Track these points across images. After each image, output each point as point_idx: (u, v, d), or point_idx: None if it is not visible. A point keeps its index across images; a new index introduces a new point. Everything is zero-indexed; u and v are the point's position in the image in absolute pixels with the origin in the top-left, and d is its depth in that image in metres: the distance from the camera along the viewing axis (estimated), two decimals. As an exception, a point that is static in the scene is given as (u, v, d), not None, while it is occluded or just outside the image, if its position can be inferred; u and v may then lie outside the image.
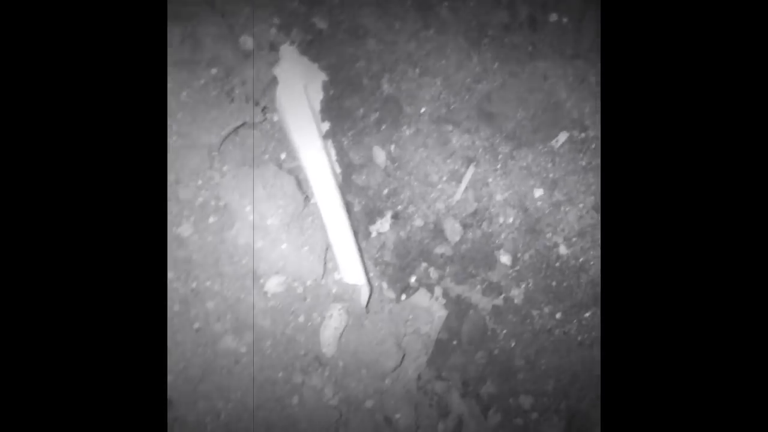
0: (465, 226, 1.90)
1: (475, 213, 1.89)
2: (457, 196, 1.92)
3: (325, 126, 1.98)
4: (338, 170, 1.97)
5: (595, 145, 1.90)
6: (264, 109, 1.94)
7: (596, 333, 1.83)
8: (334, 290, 1.87)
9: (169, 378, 1.75)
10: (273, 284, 1.81)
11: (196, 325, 1.79)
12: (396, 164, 1.93)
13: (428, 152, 1.93)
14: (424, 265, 1.92)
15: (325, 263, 1.87)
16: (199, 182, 1.84)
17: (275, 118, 1.97)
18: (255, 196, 1.80)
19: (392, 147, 1.93)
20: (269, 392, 1.80)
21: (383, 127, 1.94)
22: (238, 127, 1.89)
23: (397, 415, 1.87)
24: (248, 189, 1.80)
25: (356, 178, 1.94)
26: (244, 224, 1.81)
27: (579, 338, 1.83)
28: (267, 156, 1.96)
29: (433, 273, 1.93)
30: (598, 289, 1.83)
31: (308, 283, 1.84)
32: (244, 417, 1.78)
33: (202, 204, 1.83)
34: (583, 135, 1.91)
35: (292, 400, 1.82)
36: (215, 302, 1.80)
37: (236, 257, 1.82)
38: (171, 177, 1.81)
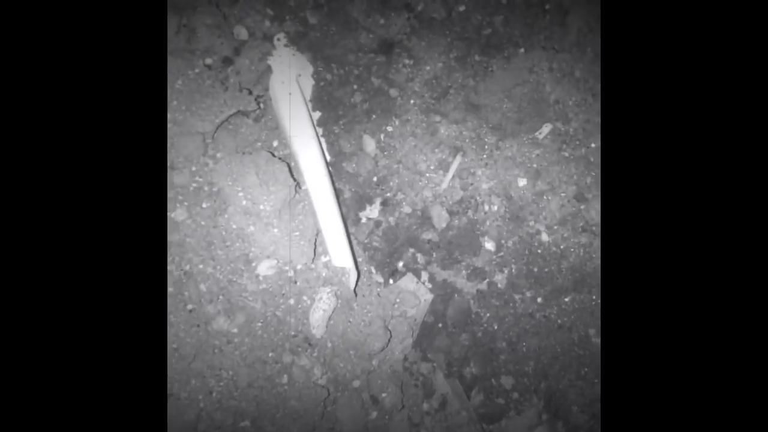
0: (451, 214, 1.96)
1: (461, 201, 1.96)
2: (444, 185, 1.99)
3: (317, 115, 2.03)
4: (329, 158, 2.02)
5: (579, 138, 1.96)
6: (257, 99, 1.99)
7: (575, 317, 1.90)
8: (323, 274, 1.93)
9: (163, 357, 1.80)
10: (264, 268, 1.87)
11: (189, 307, 1.85)
12: (385, 153, 1.99)
13: (417, 142, 1.99)
14: (411, 250, 1.98)
15: (315, 248, 1.93)
16: (193, 168, 1.90)
17: (264, 106, 2.02)
18: (247, 183, 1.86)
19: (382, 136, 1.99)
20: (260, 371, 1.86)
21: (373, 116, 2.00)
22: (231, 115, 1.94)
23: (384, 395, 1.94)
24: (241, 175, 1.86)
25: (347, 165, 2.00)
26: (237, 209, 1.87)
27: (559, 321, 1.91)
28: (260, 144, 2.01)
29: (420, 258, 1.99)
30: (578, 275, 1.90)
31: (298, 267, 1.90)
32: (236, 395, 1.84)
33: (196, 189, 1.89)
34: (566, 127, 1.98)
35: (281, 379, 1.89)
36: (208, 284, 1.86)
37: (228, 241, 1.88)
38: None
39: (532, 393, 1.90)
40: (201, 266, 1.87)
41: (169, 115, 1.87)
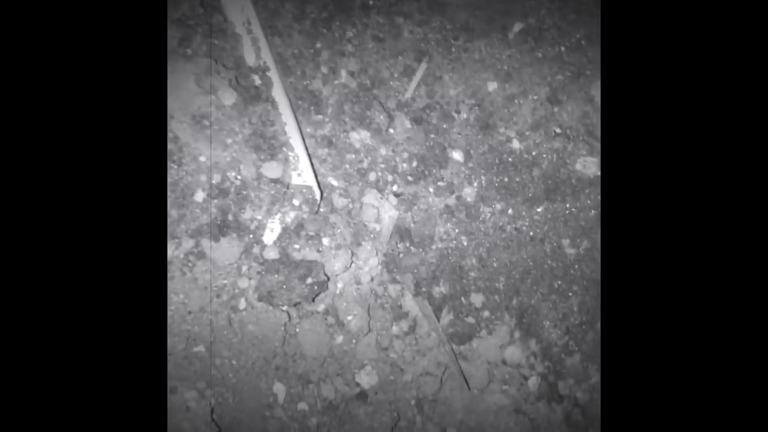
0: (416, 123, 1.81)
1: (426, 108, 1.81)
2: (409, 93, 1.83)
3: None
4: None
5: (552, 36, 1.80)
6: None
7: (548, 227, 1.78)
8: (283, 192, 1.79)
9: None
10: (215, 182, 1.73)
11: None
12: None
13: (378, 47, 1.82)
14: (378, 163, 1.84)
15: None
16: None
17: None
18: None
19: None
20: (213, 296, 1.75)
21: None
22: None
23: (349, 318, 1.84)
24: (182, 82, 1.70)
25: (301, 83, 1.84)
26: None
27: (531, 234, 1.78)
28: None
29: (384, 173, 1.85)
30: (550, 182, 1.77)
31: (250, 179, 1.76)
32: (188, 319, 1.73)
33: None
34: (539, 24, 1.81)
35: (238, 304, 1.77)
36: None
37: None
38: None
39: (503, 310, 1.79)
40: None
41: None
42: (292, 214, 1.78)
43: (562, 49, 1.75)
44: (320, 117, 1.87)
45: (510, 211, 1.79)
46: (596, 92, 1.72)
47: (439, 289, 1.84)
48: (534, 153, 1.77)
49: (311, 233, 1.80)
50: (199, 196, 1.74)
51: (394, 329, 1.88)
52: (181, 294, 1.73)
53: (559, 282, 1.74)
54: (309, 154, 1.81)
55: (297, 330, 1.83)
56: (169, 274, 1.73)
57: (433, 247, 1.83)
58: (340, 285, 1.86)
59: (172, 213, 1.74)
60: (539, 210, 1.78)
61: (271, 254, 1.77)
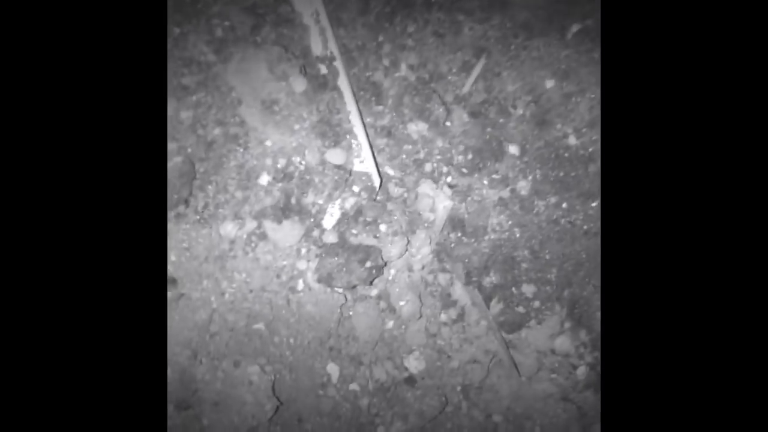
0: (473, 116, 1.87)
1: (484, 102, 1.86)
2: (467, 88, 1.89)
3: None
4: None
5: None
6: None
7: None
8: (345, 177, 1.85)
9: (173, 257, 1.74)
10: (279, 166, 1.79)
11: (201, 205, 1.78)
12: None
13: (438, 42, 1.88)
14: (434, 154, 1.90)
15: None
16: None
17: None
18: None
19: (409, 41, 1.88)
20: (273, 277, 1.80)
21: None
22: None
23: (401, 303, 1.89)
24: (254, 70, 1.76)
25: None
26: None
27: (585, 227, 1.84)
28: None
29: (440, 164, 1.91)
30: (606, 179, 1.82)
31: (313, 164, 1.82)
32: (249, 297, 1.79)
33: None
34: (596, 26, 1.87)
35: (296, 285, 1.83)
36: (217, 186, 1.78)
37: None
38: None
39: (554, 301, 1.85)
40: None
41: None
42: (351, 200, 1.83)
43: (620, 49, 1.80)
44: (380, 108, 1.92)
45: (564, 205, 1.85)
46: (652, 93, 1.77)
47: (490, 279, 1.89)
48: (590, 149, 1.83)
49: (369, 219, 1.85)
50: (264, 179, 1.80)
51: (443, 317, 1.94)
52: (244, 273, 1.78)
53: (612, 275, 1.79)
54: (370, 143, 1.86)
55: (351, 313, 1.88)
56: (231, 253, 1.79)
57: (486, 237, 1.89)
58: (393, 271, 1.92)
59: (237, 194, 1.79)
60: (594, 205, 1.83)
61: (330, 238, 1.82)
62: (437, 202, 1.90)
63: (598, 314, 1.80)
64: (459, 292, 1.92)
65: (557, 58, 1.87)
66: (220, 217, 1.78)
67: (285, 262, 1.82)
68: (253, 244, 1.80)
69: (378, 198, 1.87)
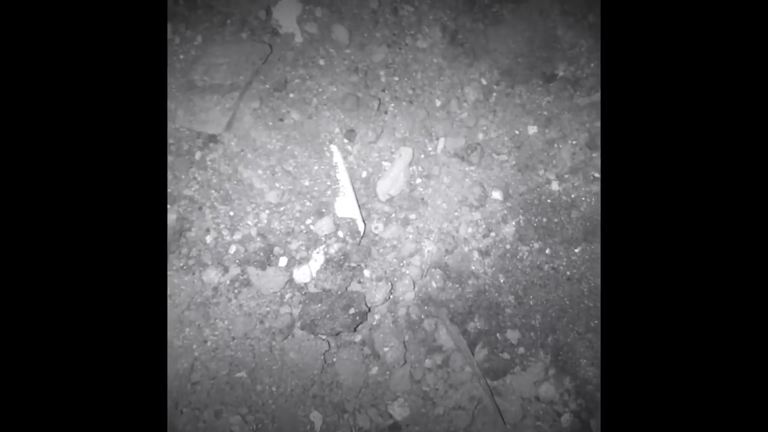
0: (459, 160, 1.88)
1: (467, 148, 1.88)
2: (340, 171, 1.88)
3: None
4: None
5: (591, 84, 1.88)
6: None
7: (585, 268, 1.83)
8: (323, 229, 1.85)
9: (156, 304, 1.73)
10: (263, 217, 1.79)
11: (184, 252, 1.77)
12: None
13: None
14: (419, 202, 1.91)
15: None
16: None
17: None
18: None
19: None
20: (256, 323, 1.79)
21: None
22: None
23: (386, 349, 1.88)
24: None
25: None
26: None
27: (568, 273, 1.84)
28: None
29: (425, 209, 1.91)
30: (588, 224, 1.83)
31: (297, 216, 1.82)
32: (231, 345, 1.77)
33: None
34: (578, 72, 1.90)
35: (280, 330, 1.81)
36: (198, 233, 1.78)
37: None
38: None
39: (538, 347, 1.84)
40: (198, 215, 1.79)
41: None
42: (336, 246, 1.83)
43: (599, 98, 1.83)
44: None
45: (548, 251, 1.85)
46: (633, 139, 1.79)
47: (475, 325, 1.88)
48: (573, 195, 1.84)
49: (353, 264, 1.85)
50: (253, 230, 1.80)
51: (427, 362, 1.92)
52: (226, 320, 1.77)
53: (596, 321, 1.78)
54: (354, 187, 1.87)
55: (335, 359, 1.86)
56: (214, 300, 1.78)
57: (470, 282, 1.88)
58: (377, 317, 1.91)
59: (222, 240, 1.79)
60: (577, 251, 1.83)
61: (313, 285, 1.81)
62: (422, 246, 1.90)
63: (583, 361, 1.79)
64: (443, 337, 1.90)
65: (539, 104, 1.89)
66: (202, 263, 1.77)
67: (268, 309, 1.81)
68: (236, 291, 1.79)
69: (362, 243, 1.87)
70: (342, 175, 1.85)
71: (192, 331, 1.75)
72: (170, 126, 1.79)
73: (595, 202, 1.82)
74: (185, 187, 1.78)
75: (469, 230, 1.89)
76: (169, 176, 1.77)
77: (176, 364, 1.73)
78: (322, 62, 1.91)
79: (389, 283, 1.85)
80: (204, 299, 1.77)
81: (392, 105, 1.91)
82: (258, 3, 1.90)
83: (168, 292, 1.74)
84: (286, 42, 1.90)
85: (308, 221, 1.82)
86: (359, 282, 1.85)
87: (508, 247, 1.87)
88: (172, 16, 1.85)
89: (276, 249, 1.80)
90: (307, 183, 1.83)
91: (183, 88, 1.81)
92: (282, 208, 1.81)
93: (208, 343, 1.75)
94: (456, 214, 1.90)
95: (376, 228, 1.89)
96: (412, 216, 1.90)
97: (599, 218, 1.83)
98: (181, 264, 1.77)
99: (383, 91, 1.91)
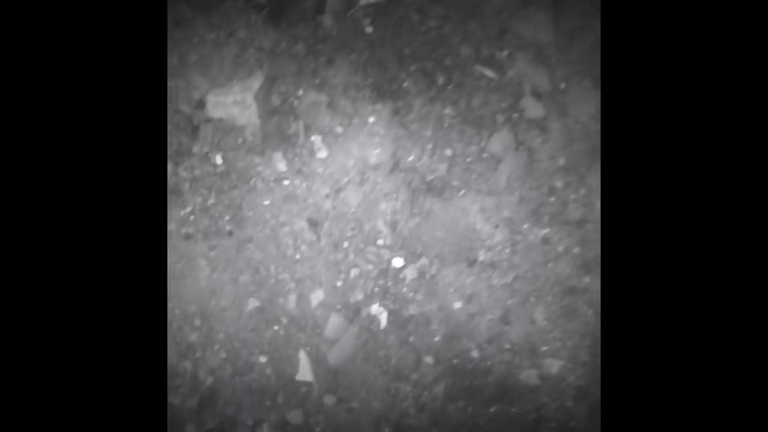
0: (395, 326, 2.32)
1: (406, 321, 2.33)
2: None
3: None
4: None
5: (504, 267, 2.34)
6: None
7: (498, 425, 2.21)
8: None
9: None
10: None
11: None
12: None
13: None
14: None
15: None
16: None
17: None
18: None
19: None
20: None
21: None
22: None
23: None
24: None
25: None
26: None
27: (486, 428, 2.22)
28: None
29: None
30: (501, 388, 2.23)
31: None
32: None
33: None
34: (494, 258, 2.36)
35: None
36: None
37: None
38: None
39: None
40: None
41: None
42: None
43: (511, 279, 2.28)
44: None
45: (470, 409, 2.25)
46: (538, 315, 2.22)
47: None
48: (489, 363, 2.25)
49: None
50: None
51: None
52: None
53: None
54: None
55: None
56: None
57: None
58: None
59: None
60: (492, 410, 2.23)
61: None
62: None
63: None
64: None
65: (464, 284, 2.35)
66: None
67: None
68: None
69: None
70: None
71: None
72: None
73: (507, 368, 2.21)
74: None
75: (408, 390, 2.30)
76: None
77: None
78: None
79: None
80: None
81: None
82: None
83: None
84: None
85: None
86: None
87: (437, 405, 2.26)
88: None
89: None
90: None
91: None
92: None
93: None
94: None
95: None
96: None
97: (509, 383, 2.22)
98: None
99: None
